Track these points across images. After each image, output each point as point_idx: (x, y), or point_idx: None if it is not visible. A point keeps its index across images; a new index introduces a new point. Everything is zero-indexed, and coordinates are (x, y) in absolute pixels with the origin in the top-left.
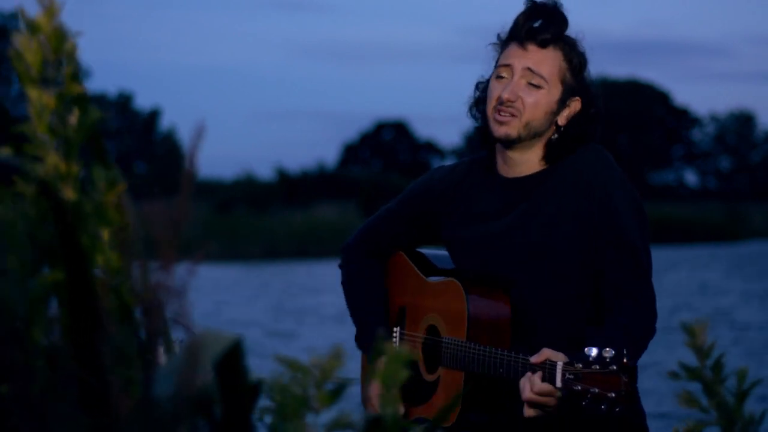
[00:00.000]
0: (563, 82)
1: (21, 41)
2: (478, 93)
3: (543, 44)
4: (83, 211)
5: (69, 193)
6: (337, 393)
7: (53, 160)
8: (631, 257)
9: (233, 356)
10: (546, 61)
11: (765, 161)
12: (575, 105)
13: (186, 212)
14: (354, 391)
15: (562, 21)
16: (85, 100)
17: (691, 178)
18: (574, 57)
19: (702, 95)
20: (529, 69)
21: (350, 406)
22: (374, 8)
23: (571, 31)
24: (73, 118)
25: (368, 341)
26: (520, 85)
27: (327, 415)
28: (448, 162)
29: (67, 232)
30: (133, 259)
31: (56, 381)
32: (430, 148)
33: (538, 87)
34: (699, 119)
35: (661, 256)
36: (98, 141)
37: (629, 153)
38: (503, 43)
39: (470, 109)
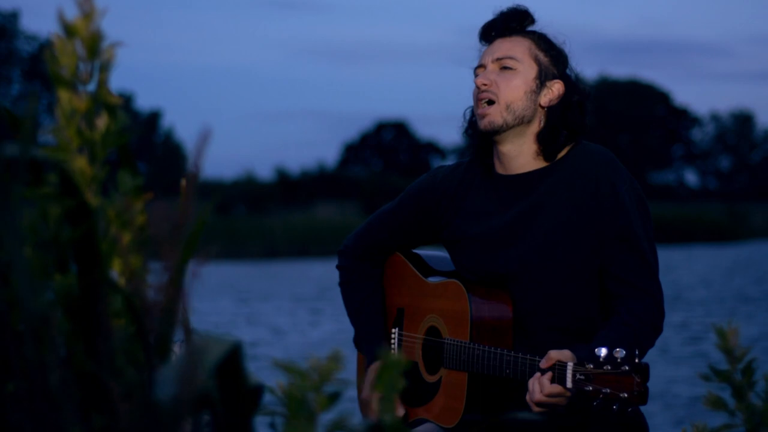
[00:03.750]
0: (537, 61)
1: (57, 42)
2: (469, 117)
3: (507, 33)
4: (105, 215)
5: (90, 198)
6: (336, 396)
7: (79, 164)
8: (639, 256)
9: (233, 360)
10: (514, 45)
11: (765, 161)
12: (557, 88)
13: (189, 214)
14: (352, 394)
15: (524, 13)
16: (115, 106)
17: (691, 178)
18: (544, 44)
19: (702, 95)
20: (498, 58)
21: (348, 407)
22: (374, 8)
23: (553, 33)
24: (101, 122)
25: (366, 343)
26: (494, 71)
27: (326, 415)
28: (449, 162)
29: (87, 231)
30: (148, 262)
31: (63, 381)
32: (431, 148)
33: (511, 69)
34: (699, 119)
35: (660, 257)
36: (124, 147)
37: (630, 153)
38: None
39: (465, 132)
